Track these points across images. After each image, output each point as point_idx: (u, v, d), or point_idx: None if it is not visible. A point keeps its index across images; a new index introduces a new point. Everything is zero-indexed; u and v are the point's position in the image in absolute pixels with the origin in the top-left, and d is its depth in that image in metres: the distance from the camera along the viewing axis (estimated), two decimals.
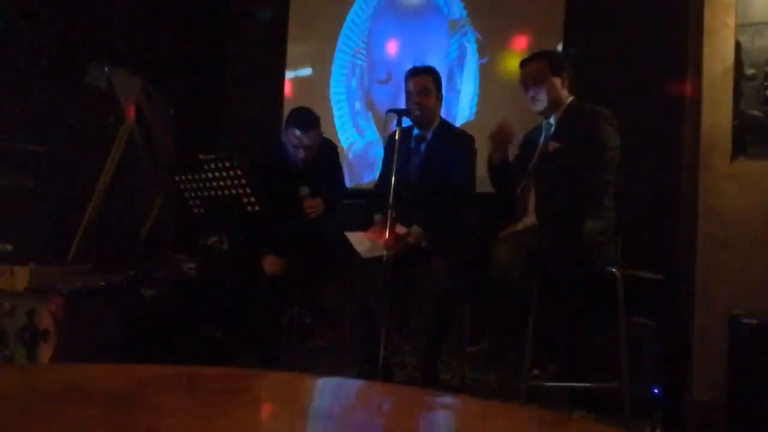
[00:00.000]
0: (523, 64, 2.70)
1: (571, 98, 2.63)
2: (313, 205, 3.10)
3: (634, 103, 3.36)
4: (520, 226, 2.55)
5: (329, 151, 3.35)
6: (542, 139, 2.66)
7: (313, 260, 3.13)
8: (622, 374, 2.40)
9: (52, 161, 3.24)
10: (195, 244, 3.36)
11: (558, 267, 2.49)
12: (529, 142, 2.77)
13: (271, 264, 3.05)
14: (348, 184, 4.00)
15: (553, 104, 2.62)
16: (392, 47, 4.07)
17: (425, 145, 2.97)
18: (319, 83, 4.30)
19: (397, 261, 2.54)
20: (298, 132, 3.07)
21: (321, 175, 3.22)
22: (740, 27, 2.62)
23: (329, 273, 3.29)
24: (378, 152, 3.86)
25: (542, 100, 2.60)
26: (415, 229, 2.72)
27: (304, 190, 3.12)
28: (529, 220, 2.53)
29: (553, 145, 2.55)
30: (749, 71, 2.61)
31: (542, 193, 2.55)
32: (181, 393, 1.20)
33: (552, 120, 2.64)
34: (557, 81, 2.61)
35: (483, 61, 3.74)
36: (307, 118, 3.12)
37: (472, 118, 3.76)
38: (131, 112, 3.48)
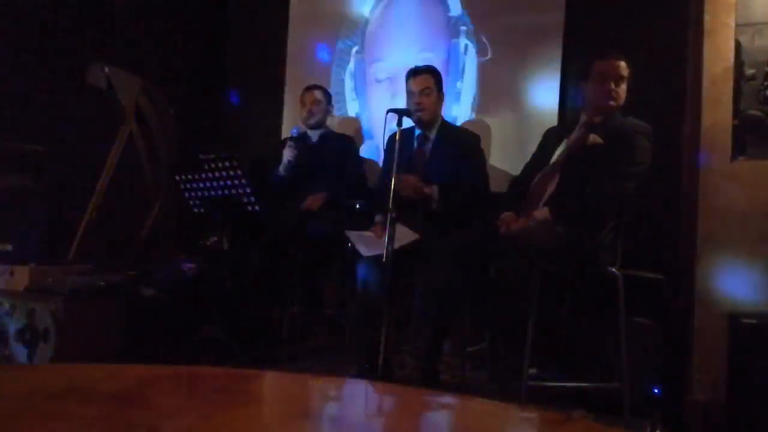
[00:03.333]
0: (615, 58, 2.66)
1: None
2: (311, 203, 3.23)
3: (633, 102, 3.35)
4: (530, 221, 2.53)
5: (344, 144, 3.45)
6: (578, 131, 2.65)
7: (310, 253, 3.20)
8: (622, 374, 2.40)
9: (52, 161, 3.25)
10: (195, 244, 3.36)
11: (567, 268, 2.49)
12: (555, 134, 2.77)
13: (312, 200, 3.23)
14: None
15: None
16: (391, 46, 4.07)
17: (430, 146, 2.96)
18: (319, 83, 4.30)
19: (397, 261, 2.54)
20: (304, 93, 3.45)
21: (330, 165, 3.27)
22: (740, 27, 2.62)
23: (327, 268, 3.32)
24: (377, 152, 3.86)
25: (618, 99, 2.60)
26: (435, 188, 2.76)
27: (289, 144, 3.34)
28: (541, 213, 2.51)
29: (594, 138, 2.55)
30: (749, 71, 2.61)
31: (566, 186, 2.53)
32: (181, 393, 1.20)
33: (597, 120, 2.63)
34: (626, 88, 2.63)
35: (483, 59, 3.74)
36: (312, 83, 3.51)
37: (473, 117, 3.75)
38: (131, 112, 3.48)
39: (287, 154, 3.30)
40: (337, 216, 3.24)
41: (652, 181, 3.13)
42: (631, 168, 2.46)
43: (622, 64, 2.62)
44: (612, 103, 2.60)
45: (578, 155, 2.55)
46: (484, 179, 2.97)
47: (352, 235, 2.80)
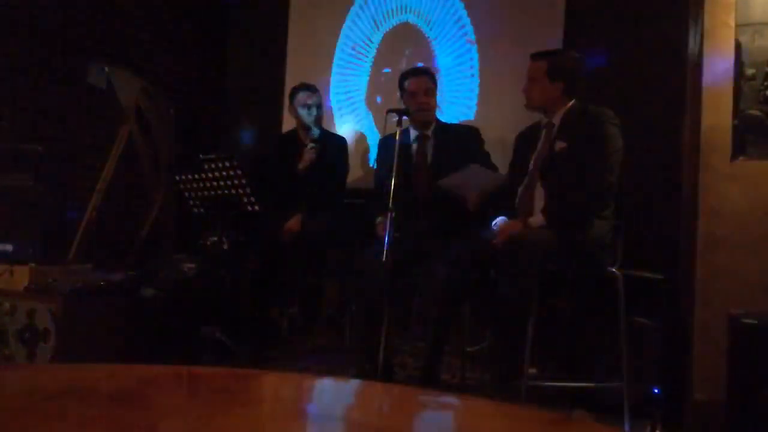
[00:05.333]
0: (531, 58, 2.72)
1: (572, 101, 2.64)
2: (309, 158, 3.28)
3: (633, 103, 3.35)
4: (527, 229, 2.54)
5: (338, 144, 3.44)
6: (543, 137, 2.67)
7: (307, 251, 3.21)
8: (622, 374, 2.40)
9: (52, 161, 3.24)
10: (195, 244, 3.36)
11: (567, 268, 2.49)
12: (525, 141, 2.78)
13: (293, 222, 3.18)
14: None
15: (542, 107, 2.66)
16: (392, 46, 4.07)
17: (431, 145, 2.97)
18: (319, 83, 4.30)
19: (397, 261, 2.54)
20: (302, 94, 3.41)
21: (325, 159, 3.30)
22: (740, 27, 2.62)
23: (327, 268, 3.32)
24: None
25: (529, 99, 2.66)
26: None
27: (311, 146, 3.31)
28: (537, 220, 2.52)
29: (559, 145, 2.56)
30: (749, 71, 2.61)
31: (551, 195, 2.55)
32: (181, 393, 1.20)
33: (555, 120, 2.64)
34: (551, 86, 2.61)
35: (484, 59, 3.74)
36: (309, 84, 3.51)
37: (472, 118, 3.76)
38: (131, 112, 3.48)
39: (309, 157, 3.29)
40: (336, 215, 3.24)
41: (648, 178, 3.15)
42: (609, 160, 2.48)
43: (530, 65, 2.69)
44: (525, 104, 2.70)
45: (556, 161, 2.57)
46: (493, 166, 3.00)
47: (451, 181, 2.71)
